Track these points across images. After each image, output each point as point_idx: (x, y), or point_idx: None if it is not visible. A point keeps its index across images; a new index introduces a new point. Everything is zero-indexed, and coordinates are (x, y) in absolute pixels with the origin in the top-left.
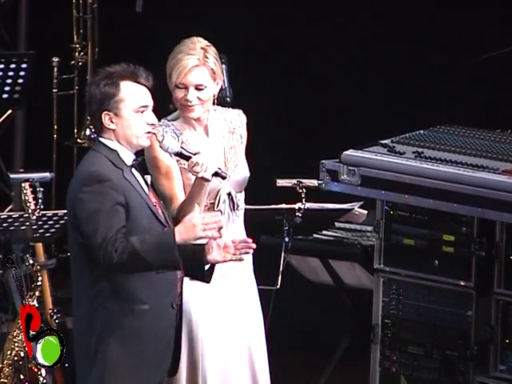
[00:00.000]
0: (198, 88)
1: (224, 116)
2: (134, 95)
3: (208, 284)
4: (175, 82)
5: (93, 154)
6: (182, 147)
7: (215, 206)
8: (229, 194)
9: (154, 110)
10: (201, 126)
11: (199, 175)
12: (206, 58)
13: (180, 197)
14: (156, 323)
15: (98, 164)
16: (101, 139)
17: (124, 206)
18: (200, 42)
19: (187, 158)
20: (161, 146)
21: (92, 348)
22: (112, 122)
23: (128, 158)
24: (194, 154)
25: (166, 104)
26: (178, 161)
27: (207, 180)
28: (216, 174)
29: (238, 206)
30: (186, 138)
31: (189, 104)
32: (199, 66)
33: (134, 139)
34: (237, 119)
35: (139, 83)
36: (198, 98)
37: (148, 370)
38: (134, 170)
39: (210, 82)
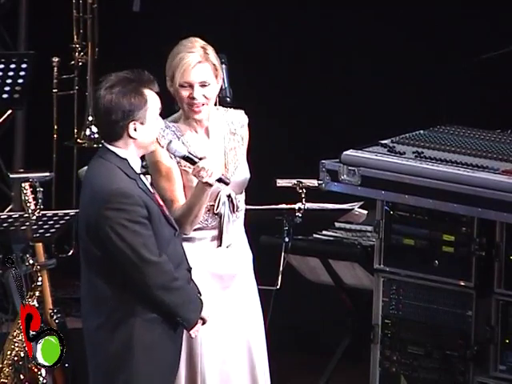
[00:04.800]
0: (202, 85)
1: (225, 117)
2: (155, 103)
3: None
4: (179, 81)
5: (103, 164)
6: (188, 151)
7: (215, 208)
8: (228, 196)
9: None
10: (201, 127)
11: (204, 180)
12: (207, 54)
13: (180, 199)
14: (173, 327)
15: (116, 179)
16: (110, 147)
17: (148, 218)
18: (198, 42)
19: (193, 163)
20: (168, 149)
21: (113, 354)
22: (136, 130)
23: (137, 165)
24: (200, 159)
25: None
26: (178, 162)
27: (210, 185)
28: (220, 180)
29: (237, 207)
30: (186, 139)
31: (195, 102)
32: (202, 62)
33: (151, 145)
34: (238, 120)
35: (152, 90)
36: (204, 96)
37: (168, 371)
38: (141, 175)
39: (213, 79)
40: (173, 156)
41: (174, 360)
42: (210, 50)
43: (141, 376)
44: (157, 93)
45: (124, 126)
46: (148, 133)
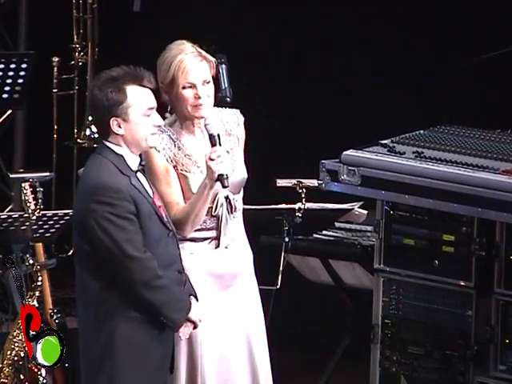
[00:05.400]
0: (204, 83)
1: (221, 117)
2: (140, 99)
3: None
4: (182, 83)
5: (99, 159)
6: (218, 134)
7: (213, 209)
8: (226, 198)
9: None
10: (198, 129)
11: (210, 163)
12: (200, 52)
13: (180, 201)
14: (160, 327)
15: (107, 173)
16: (107, 143)
17: (135, 215)
18: (186, 43)
19: (213, 144)
20: (205, 117)
21: (99, 350)
22: (120, 127)
23: (134, 162)
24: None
25: (163, 105)
26: (175, 166)
27: (212, 172)
28: (221, 177)
29: (235, 208)
30: (183, 143)
31: (199, 102)
32: (201, 61)
33: (143, 142)
34: (233, 120)
35: (143, 86)
36: (207, 94)
37: (154, 370)
38: (140, 173)
39: (211, 76)
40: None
41: (161, 361)
42: (200, 48)
43: (123, 373)
44: (152, 90)
45: (107, 122)
46: (134, 130)
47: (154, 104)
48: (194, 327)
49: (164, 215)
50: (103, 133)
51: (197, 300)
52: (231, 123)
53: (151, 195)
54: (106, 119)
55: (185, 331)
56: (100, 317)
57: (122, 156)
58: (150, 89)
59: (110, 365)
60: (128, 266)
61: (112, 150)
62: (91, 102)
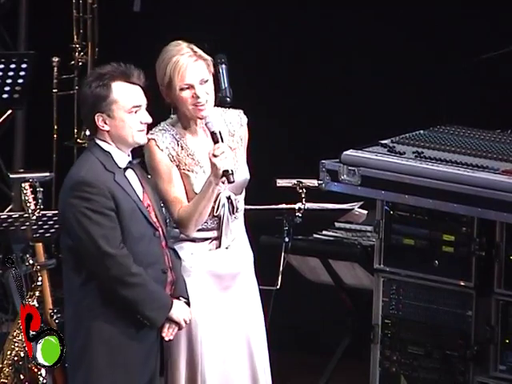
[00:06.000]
0: (202, 83)
1: (224, 118)
2: (126, 96)
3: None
4: (179, 84)
5: (87, 155)
6: (220, 131)
7: (215, 210)
8: (228, 198)
9: (151, 111)
10: (201, 129)
11: (214, 160)
12: (196, 51)
13: (183, 200)
14: (138, 325)
15: (87, 169)
16: (96, 140)
17: (114, 210)
18: (182, 43)
19: (215, 141)
20: (206, 116)
21: (78, 347)
22: (105, 123)
23: (122, 159)
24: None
25: (163, 104)
26: (177, 165)
27: (217, 169)
28: (226, 173)
29: (237, 209)
30: (185, 142)
31: (199, 101)
32: (196, 60)
33: (130, 138)
34: (236, 120)
35: (131, 83)
36: (206, 93)
37: (133, 369)
38: (130, 171)
39: (209, 74)
40: (204, 126)
41: (141, 359)
42: (196, 48)
43: (100, 370)
44: (143, 87)
45: (92, 118)
46: (120, 126)
47: (141, 101)
48: (179, 328)
49: (153, 215)
50: (91, 129)
51: (188, 302)
52: (234, 124)
53: (139, 193)
54: (91, 115)
55: (168, 332)
56: (79, 313)
57: (109, 153)
58: (140, 86)
59: (87, 361)
60: (103, 262)
61: (100, 147)
62: (80, 100)
